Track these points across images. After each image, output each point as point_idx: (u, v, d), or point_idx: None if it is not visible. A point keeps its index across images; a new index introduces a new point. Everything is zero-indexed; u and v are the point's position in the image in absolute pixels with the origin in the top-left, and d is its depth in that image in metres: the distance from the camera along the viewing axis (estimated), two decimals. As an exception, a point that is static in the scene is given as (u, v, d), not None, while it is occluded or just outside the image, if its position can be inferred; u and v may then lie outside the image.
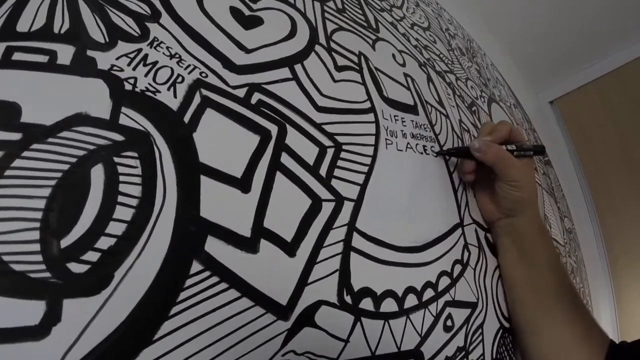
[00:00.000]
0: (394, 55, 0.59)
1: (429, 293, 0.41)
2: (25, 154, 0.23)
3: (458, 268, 0.48)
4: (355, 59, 0.49)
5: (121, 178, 0.25)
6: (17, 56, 0.25)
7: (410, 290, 0.39)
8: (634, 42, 1.44)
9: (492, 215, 0.56)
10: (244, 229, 0.29)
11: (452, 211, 0.52)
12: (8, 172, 0.22)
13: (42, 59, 0.26)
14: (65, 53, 0.27)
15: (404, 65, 0.60)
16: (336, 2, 0.55)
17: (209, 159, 0.29)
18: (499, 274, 0.56)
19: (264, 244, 0.29)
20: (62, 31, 0.28)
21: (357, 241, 0.36)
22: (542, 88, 1.68)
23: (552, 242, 0.55)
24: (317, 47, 0.44)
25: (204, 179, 0.28)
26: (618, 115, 1.46)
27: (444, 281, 0.44)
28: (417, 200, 0.46)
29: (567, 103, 1.62)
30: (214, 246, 0.27)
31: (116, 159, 0.26)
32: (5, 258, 0.21)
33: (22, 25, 0.27)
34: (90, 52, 0.28)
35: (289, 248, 0.31)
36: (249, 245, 0.28)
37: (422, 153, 0.51)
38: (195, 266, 0.26)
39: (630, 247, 1.40)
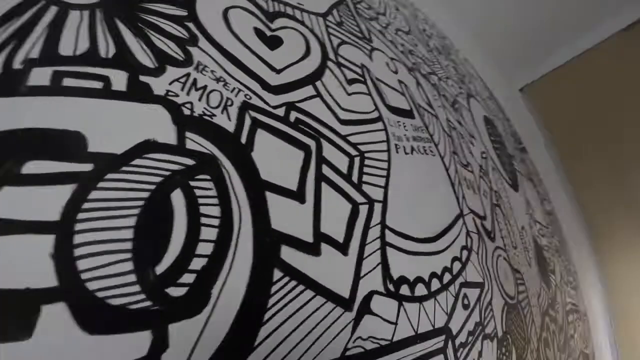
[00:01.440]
0: (387, 64, 0.66)
1: (447, 277, 0.48)
2: (102, 184, 0.25)
3: (465, 253, 0.55)
4: (359, 70, 0.55)
5: (200, 200, 0.30)
6: (69, 82, 0.28)
7: (433, 275, 0.46)
8: (601, 23, 1.53)
9: None
10: (307, 235, 0.34)
11: (453, 203, 0.59)
12: (86, 205, 0.24)
13: (97, 84, 0.29)
14: (119, 78, 0.30)
15: (396, 72, 0.67)
16: (334, 15, 0.61)
17: (269, 176, 0.34)
18: (498, 255, 0.64)
19: (324, 247, 0.35)
20: (110, 55, 0.31)
21: (389, 236, 0.42)
22: (513, 76, 1.77)
23: None
24: (329, 63, 0.50)
25: (268, 194, 0.33)
26: (590, 97, 1.56)
27: (457, 266, 0.51)
28: (427, 195, 0.53)
29: (538, 89, 1.72)
30: (287, 254, 0.32)
31: (192, 183, 0.30)
32: (100, 294, 0.22)
33: (66, 49, 0.29)
34: (142, 78, 0.31)
35: (343, 248, 0.36)
36: (313, 249, 0.34)
37: (424, 153, 0.58)
38: (276, 273, 0.31)
39: (610, 217, 1.51)
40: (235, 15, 0.42)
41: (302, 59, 0.47)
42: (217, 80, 0.36)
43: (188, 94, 0.33)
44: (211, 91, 0.35)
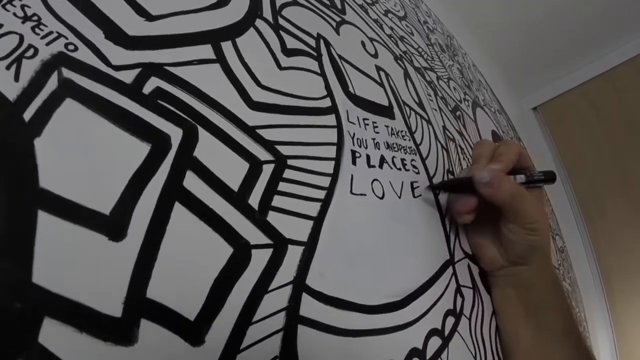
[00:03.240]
0: (363, 43, 0.49)
1: (414, 366, 0.31)
2: None
3: (450, 321, 0.38)
4: (312, 42, 0.39)
5: None
6: None
7: (388, 368, 0.28)
8: (622, 44, 1.41)
9: (495, 263, 0.46)
10: (111, 304, 0.18)
11: (440, 245, 0.42)
12: None
13: None
14: None
15: (375, 56, 0.50)
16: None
17: (57, 183, 0.18)
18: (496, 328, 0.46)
19: (146, 327, 0.18)
20: None
21: (308, 307, 0.25)
22: (524, 93, 1.64)
23: (566, 296, 0.46)
24: (259, 22, 0.34)
25: (43, 217, 0.17)
26: (606, 122, 1.43)
27: (434, 343, 0.34)
28: (396, 234, 0.36)
29: (552, 109, 1.59)
30: (55, 335, 0.16)
31: None
32: None
33: None
34: None
35: (193, 331, 0.20)
36: (119, 330, 0.18)
37: (400, 169, 0.41)
38: None
39: (623, 259, 1.35)
40: None
41: (209, 8, 0.31)
42: (26, 18, 0.21)
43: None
44: (4, 34, 0.20)
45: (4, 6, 0.20)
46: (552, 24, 1.43)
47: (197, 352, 0.19)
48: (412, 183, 0.41)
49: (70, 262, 0.17)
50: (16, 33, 0.20)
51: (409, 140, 0.46)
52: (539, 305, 0.44)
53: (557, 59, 1.55)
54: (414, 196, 0.41)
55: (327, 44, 0.41)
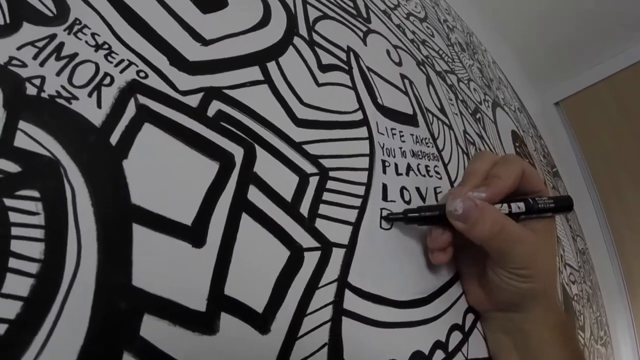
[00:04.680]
0: (388, 52, 0.54)
1: (438, 356, 0.36)
2: None
3: (470, 318, 0.43)
4: (343, 55, 0.44)
5: (14, 231, 0.19)
6: None
7: (415, 356, 0.34)
8: None
9: (483, 306, 0.42)
10: (197, 301, 0.23)
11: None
12: None
13: None
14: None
15: (400, 64, 0.55)
16: (318, -19, 0.49)
17: (146, 200, 0.23)
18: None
19: (225, 319, 0.23)
20: None
21: (350, 301, 0.30)
22: (546, 88, 1.65)
23: (576, 343, 0.42)
24: (297, 40, 0.39)
25: (137, 229, 0.22)
26: (633, 118, 1.43)
27: (456, 337, 0.39)
28: (422, 236, 0.41)
29: (575, 104, 1.60)
30: (153, 329, 0.21)
31: (7, 202, 0.19)
32: None
33: None
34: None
35: (261, 322, 0.25)
36: (204, 323, 0.23)
37: (424, 176, 0.46)
38: None
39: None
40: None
41: (253, 29, 0.35)
42: (98, 47, 0.25)
43: (43, 64, 0.23)
44: (82, 62, 0.24)
45: (75, 34, 0.25)
46: (574, 14, 1.42)
47: (265, 339, 0.25)
48: (435, 189, 0.46)
49: (162, 266, 0.22)
50: (92, 62, 0.24)
51: (432, 147, 0.51)
52: (538, 357, 0.38)
53: (581, 51, 1.54)
54: (436, 201, 0.46)
55: (357, 57, 0.46)
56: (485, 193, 0.34)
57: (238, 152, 0.28)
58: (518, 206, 0.35)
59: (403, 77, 0.53)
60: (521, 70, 1.54)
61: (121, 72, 0.25)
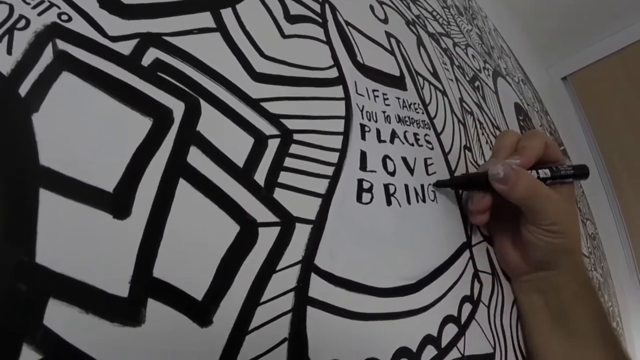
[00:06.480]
0: (372, 7, 0.50)
1: (428, 353, 0.33)
2: None
3: (467, 308, 0.40)
4: (316, 7, 0.40)
5: None
6: None
7: (401, 354, 0.30)
8: None
9: (518, 268, 0.47)
10: (117, 283, 0.20)
11: (457, 226, 0.44)
12: None
13: None
14: None
15: (385, 21, 0.51)
16: None
17: (58, 161, 0.20)
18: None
19: (154, 307, 0.20)
20: None
21: (317, 288, 0.27)
22: (553, 61, 1.63)
23: (600, 300, 0.47)
24: (257, -14, 0.35)
25: (45, 196, 0.19)
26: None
27: (450, 331, 0.37)
28: (409, 214, 0.37)
29: (583, 79, 1.58)
30: (60, 316, 0.18)
31: None
32: None
33: None
34: None
35: (200, 312, 0.22)
36: (125, 311, 0.19)
37: (412, 145, 0.42)
38: (28, 355, 0.17)
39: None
40: None
41: (205, -32, 0.32)
42: None
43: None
44: None
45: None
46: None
47: (205, 332, 0.21)
48: (425, 160, 0.43)
49: (74, 241, 0.19)
50: (5, 3, 0.21)
51: (422, 113, 0.47)
52: (568, 313, 0.44)
53: (590, 23, 1.53)
54: (427, 174, 0.42)
55: (333, 9, 0.42)
56: (519, 160, 0.42)
57: (178, 107, 0.25)
58: (545, 172, 0.42)
59: (389, 35, 0.50)
60: (527, 41, 1.51)
61: (39, 14, 0.22)
